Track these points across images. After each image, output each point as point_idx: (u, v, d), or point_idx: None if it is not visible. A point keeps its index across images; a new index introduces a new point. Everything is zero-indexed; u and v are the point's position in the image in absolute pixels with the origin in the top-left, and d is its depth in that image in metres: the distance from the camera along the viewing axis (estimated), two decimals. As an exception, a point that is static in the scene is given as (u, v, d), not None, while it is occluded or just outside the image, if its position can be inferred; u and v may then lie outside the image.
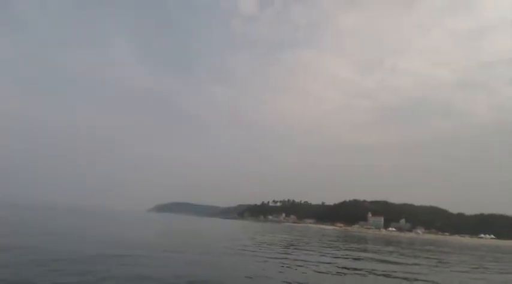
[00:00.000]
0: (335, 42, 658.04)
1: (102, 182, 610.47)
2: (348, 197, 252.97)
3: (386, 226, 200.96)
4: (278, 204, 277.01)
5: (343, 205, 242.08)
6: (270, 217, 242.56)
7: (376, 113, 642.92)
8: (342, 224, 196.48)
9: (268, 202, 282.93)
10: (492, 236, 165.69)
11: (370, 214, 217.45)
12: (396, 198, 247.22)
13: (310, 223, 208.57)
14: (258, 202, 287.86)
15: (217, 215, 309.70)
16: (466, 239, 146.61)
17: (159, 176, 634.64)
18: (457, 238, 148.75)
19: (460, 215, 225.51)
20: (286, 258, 19.21)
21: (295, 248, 27.55)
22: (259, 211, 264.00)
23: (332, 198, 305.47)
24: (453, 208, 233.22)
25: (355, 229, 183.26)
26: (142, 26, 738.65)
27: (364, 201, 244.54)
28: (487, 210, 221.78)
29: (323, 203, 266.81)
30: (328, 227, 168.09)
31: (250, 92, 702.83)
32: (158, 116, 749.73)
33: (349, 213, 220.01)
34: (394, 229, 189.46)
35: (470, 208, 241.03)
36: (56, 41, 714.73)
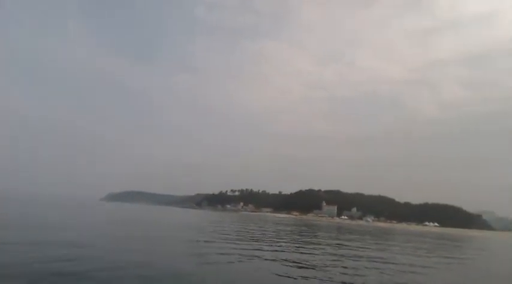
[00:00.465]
0: (297, 35, 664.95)
1: (55, 168, 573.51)
2: (304, 186, 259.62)
3: (339, 214, 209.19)
4: (236, 193, 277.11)
5: (299, 194, 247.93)
6: (228, 206, 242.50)
7: (333, 105, 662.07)
8: (297, 213, 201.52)
9: (227, 191, 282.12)
10: (436, 224, 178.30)
11: (324, 203, 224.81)
12: (349, 187, 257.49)
13: (267, 212, 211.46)
14: (216, 191, 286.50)
15: (174, 204, 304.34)
16: (412, 227, 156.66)
17: (111, 163, 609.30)
18: (404, 226, 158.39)
19: (407, 205, 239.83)
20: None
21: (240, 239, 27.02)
22: (217, 200, 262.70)
23: (289, 188, 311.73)
24: (400, 198, 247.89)
25: (310, 217, 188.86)
26: (102, 11, 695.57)
27: (319, 191, 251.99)
28: (431, 200, 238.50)
29: (280, 192, 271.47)
30: (284, 216, 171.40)
31: (212, 80, 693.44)
32: (113, 101, 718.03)
33: (305, 201, 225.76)
34: (346, 217, 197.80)
35: (416, 198, 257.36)
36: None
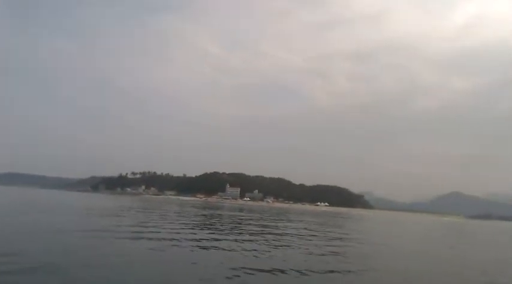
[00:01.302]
0: (205, 17, 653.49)
1: None
2: (209, 169, 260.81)
3: (242, 196, 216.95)
4: (138, 176, 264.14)
5: (204, 177, 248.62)
6: (128, 189, 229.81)
7: (239, 91, 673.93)
8: (202, 196, 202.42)
9: (127, 174, 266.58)
10: (326, 203, 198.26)
11: (228, 186, 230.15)
12: (251, 170, 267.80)
13: (171, 194, 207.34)
14: (116, 174, 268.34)
15: (65, 187, 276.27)
16: (306, 207, 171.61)
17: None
18: (299, 206, 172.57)
19: (302, 186, 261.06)
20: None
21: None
22: (116, 184, 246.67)
23: (194, 171, 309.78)
24: (296, 180, 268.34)
25: (215, 199, 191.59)
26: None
27: (224, 173, 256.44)
28: (323, 182, 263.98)
29: (185, 175, 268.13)
30: (188, 199, 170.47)
31: (110, 53, 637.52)
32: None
33: (210, 184, 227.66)
34: (248, 199, 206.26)
35: (309, 180, 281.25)
36: None
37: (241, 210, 67.18)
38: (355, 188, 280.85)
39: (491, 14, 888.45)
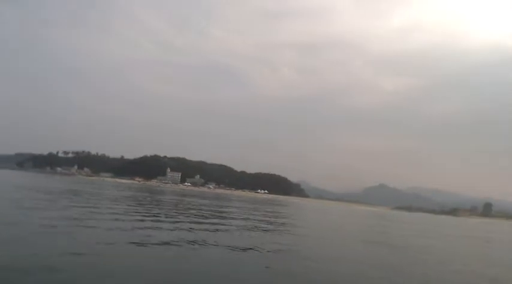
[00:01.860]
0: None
1: None
2: (149, 152, 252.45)
3: (183, 181, 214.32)
4: (70, 155, 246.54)
5: (144, 160, 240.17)
6: (59, 169, 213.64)
7: (182, 71, 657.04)
8: (141, 179, 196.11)
9: (58, 152, 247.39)
10: (266, 191, 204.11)
11: (169, 170, 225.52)
12: (193, 155, 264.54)
13: (106, 177, 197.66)
14: (45, 152, 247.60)
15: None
16: (246, 193, 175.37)
17: None
18: (240, 192, 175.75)
19: (243, 173, 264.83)
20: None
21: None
22: (45, 162, 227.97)
23: (132, 152, 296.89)
24: (238, 167, 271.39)
25: (154, 183, 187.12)
26: None
27: (165, 157, 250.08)
28: (263, 170, 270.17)
29: (122, 157, 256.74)
30: (126, 181, 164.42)
31: (42, 20, 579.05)
32: None
33: (150, 167, 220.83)
34: (189, 184, 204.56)
35: (250, 167, 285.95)
36: None
37: (184, 195, 67.12)
38: (292, 177, 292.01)
39: (426, 20, 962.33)
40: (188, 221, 19.52)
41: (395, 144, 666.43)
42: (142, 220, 18.13)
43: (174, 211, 27.69)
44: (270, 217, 29.61)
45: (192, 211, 27.66)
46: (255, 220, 24.86)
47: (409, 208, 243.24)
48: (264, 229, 19.98)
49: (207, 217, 22.67)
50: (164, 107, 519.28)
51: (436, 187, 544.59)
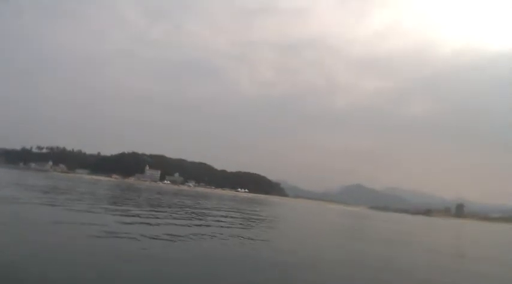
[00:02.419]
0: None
1: None
2: (128, 149, 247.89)
3: (162, 179, 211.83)
4: (44, 151, 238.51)
5: (122, 156, 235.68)
6: (33, 165, 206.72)
7: (157, 66, 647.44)
8: (118, 176, 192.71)
9: (31, 147, 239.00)
10: (246, 190, 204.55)
11: (147, 167, 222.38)
12: (172, 153, 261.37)
13: (83, 173, 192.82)
14: (17, 147, 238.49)
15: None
16: (226, 192, 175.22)
17: None
18: (220, 191, 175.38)
19: (223, 172, 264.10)
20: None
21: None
22: (18, 158, 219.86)
23: (109, 149, 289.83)
24: (218, 165, 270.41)
25: (132, 181, 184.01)
26: None
27: (143, 154, 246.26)
28: (243, 169, 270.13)
29: (99, 153, 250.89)
30: (103, 179, 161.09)
31: (14, 8, 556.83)
32: None
33: (128, 165, 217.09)
34: (168, 182, 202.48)
35: (231, 166, 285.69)
36: None
37: (160, 193, 66.58)
38: (271, 176, 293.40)
39: (403, 24, 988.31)
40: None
41: (373, 145, 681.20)
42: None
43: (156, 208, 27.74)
44: (250, 217, 30.07)
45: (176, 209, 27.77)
46: (234, 217, 25.31)
47: (385, 208, 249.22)
48: (242, 227, 20.46)
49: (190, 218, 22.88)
50: (140, 102, 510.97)
51: (412, 188, 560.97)
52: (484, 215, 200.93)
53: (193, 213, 27.05)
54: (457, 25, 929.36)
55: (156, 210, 26.20)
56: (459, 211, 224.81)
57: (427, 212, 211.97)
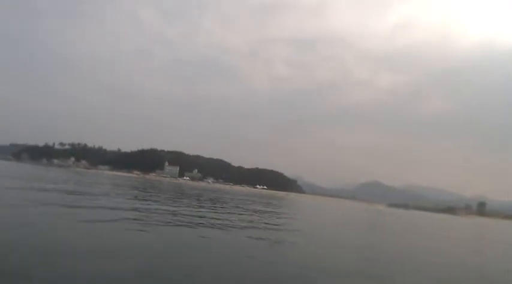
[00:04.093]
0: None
1: None
2: (146, 145, 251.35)
3: (180, 175, 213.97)
4: (66, 147, 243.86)
5: (141, 153, 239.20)
6: (56, 161, 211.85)
7: (174, 65, 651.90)
8: (139, 172, 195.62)
9: (54, 144, 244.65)
10: (264, 187, 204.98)
11: (167, 163, 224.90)
12: (190, 149, 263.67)
13: (104, 169, 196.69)
14: (40, 143, 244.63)
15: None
16: (245, 189, 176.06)
17: None
18: (240, 188, 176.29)
19: (240, 168, 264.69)
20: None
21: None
22: (41, 154, 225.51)
23: (128, 145, 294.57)
24: (235, 162, 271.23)
25: (152, 177, 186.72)
26: None
27: (162, 151, 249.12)
28: (258, 165, 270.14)
29: (119, 150, 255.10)
30: (125, 175, 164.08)
31: (33, 10, 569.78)
32: None
33: (147, 161, 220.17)
34: (188, 178, 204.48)
35: (247, 163, 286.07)
36: None
37: (194, 189, 67.39)
38: (287, 173, 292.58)
39: (421, 18, 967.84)
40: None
41: (390, 141, 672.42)
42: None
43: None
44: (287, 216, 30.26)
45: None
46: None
47: (405, 206, 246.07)
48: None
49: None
50: (156, 100, 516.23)
51: (430, 185, 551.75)
52: (507, 214, 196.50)
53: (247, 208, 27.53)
54: (477, 18, 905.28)
55: (221, 206, 26.80)
56: (481, 209, 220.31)
57: (450, 210, 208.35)
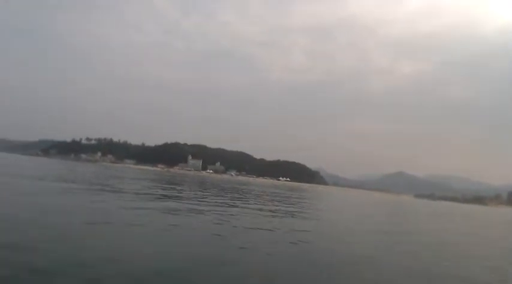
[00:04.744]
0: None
1: None
2: (169, 139, 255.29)
3: (204, 168, 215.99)
4: (93, 142, 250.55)
5: (165, 147, 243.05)
6: (83, 156, 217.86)
7: (189, 56, 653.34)
8: (163, 166, 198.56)
9: (81, 139, 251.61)
10: (287, 179, 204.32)
11: (190, 157, 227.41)
12: (212, 142, 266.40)
13: (130, 163, 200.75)
14: (68, 139, 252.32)
15: (11, 150, 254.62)
16: (268, 181, 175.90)
17: None
18: (263, 180, 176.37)
19: (262, 161, 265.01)
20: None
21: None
22: (69, 149, 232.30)
23: (152, 139, 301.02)
24: (256, 154, 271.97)
25: (177, 170, 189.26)
26: None
27: (185, 144, 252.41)
28: (281, 157, 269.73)
29: (143, 144, 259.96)
30: (150, 168, 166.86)
31: (54, 5, 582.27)
32: None
33: (171, 155, 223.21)
34: (211, 171, 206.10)
35: (268, 155, 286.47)
36: None
37: (223, 182, 67.51)
38: (309, 164, 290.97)
39: (442, 3, 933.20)
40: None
41: (413, 130, 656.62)
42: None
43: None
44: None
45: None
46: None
47: (431, 196, 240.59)
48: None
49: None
50: (175, 92, 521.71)
51: (454, 174, 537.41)
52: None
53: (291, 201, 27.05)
54: (500, 1, 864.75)
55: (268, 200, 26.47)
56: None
57: (479, 200, 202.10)
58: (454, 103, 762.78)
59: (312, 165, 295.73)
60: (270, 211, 20.49)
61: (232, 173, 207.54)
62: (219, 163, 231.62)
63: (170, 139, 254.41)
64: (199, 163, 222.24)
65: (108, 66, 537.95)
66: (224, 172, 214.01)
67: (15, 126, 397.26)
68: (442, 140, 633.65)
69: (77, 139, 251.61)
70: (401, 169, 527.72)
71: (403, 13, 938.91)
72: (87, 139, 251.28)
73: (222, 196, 30.06)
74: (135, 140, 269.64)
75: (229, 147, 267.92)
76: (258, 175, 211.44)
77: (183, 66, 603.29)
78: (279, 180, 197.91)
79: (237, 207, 20.70)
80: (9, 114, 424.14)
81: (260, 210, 20.54)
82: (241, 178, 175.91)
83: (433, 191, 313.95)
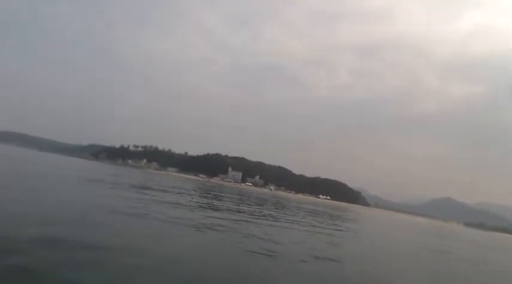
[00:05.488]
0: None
1: None
2: (211, 150, 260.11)
3: (243, 180, 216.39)
4: (139, 149, 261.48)
5: (207, 157, 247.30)
6: (130, 161, 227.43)
7: (238, 71, 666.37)
8: (204, 176, 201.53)
9: (129, 146, 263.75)
10: (328, 197, 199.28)
11: (230, 169, 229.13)
12: (252, 156, 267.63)
13: (173, 172, 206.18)
14: (115, 144, 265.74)
15: (62, 152, 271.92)
16: (308, 197, 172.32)
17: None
18: (303, 197, 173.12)
19: (301, 177, 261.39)
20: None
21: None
22: (117, 154, 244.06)
23: (195, 149, 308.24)
24: (295, 170, 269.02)
25: (217, 181, 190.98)
26: None
27: (226, 156, 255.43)
28: (321, 174, 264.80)
29: (186, 153, 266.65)
30: (192, 177, 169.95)
31: (111, 22, 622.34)
32: None
33: (211, 165, 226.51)
34: (250, 184, 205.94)
35: (307, 170, 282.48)
36: None
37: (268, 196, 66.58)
38: (349, 183, 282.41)
39: (496, 24, 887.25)
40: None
41: (463, 155, 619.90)
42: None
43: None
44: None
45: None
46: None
47: (481, 226, 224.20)
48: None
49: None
50: (222, 106, 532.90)
51: (505, 203, 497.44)
52: None
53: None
54: None
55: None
56: None
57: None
58: (509, 127, 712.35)
59: (352, 184, 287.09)
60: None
61: (272, 187, 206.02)
62: (258, 176, 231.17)
63: (213, 149, 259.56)
64: (239, 175, 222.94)
65: (158, 80, 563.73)
66: (263, 185, 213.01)
67: (65, 130, 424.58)
68: (495, 167, 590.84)
69: (125, 145, 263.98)
70: (449, 195, 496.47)
71: (453, 34, 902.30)
72: (135, 146, 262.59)
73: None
74: (179, 149, 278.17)
75: (268, 160, 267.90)
76: (297, 191, 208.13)
77: (230, 80, 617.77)
78: (318, 197, 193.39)
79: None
80: (64, 119, 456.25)
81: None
82: (280, 193, 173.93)
83: (483, 220, 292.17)
